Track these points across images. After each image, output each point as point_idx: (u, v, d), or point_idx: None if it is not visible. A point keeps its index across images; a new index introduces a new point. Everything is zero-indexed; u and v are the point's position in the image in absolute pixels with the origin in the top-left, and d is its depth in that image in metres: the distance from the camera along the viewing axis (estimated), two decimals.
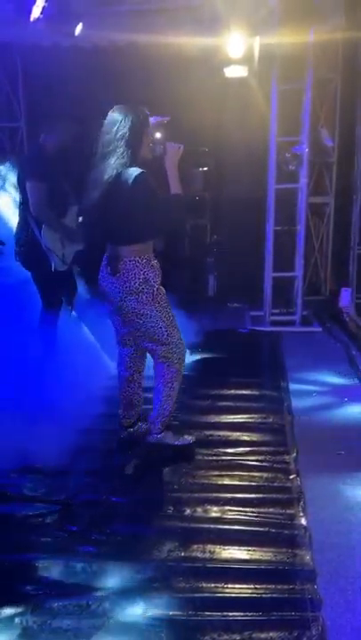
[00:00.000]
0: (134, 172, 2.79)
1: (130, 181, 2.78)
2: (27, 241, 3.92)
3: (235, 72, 5.14)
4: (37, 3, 4.11)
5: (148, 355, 3.27)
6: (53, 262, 3.89)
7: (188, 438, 3.32)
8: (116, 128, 2.85)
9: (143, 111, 2.92)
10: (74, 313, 4.35)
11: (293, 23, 4.57)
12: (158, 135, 3.11)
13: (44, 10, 4.13)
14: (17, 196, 4.19)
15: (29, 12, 4.19)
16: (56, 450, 3.10)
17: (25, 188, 3.83)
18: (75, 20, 4.56)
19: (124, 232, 2.92)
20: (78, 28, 4.60)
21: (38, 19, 4.17)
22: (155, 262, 3.01)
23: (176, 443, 3.25)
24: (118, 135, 2.84)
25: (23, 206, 3.93)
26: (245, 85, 5.38)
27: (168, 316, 3.03)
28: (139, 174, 2.80)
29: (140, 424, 3.36)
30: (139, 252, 2.94)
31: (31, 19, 4.17)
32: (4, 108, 6.26)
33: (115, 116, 2.89)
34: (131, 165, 2.82)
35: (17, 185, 3.96)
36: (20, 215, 3.99)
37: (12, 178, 4.73)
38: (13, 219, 4.63)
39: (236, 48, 4.84)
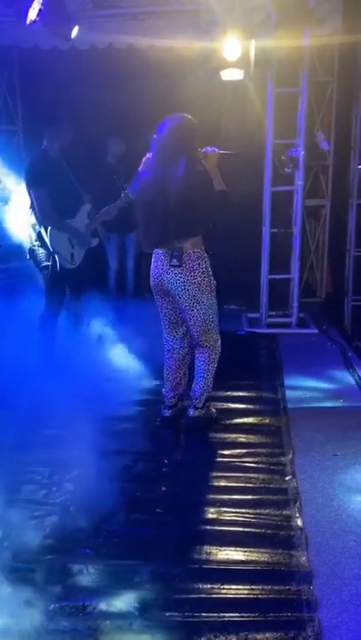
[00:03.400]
0: (197, 171, 3.13)
1: (194, 180, 3.10)
2: (37, 240, 4.00)
3: (231, 75, 5.15)
4: (33, 5, 4.12)
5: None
6: (58, 262, 3.96)
7: (214, 411, 3.65)
8: (175, 135, 3.16)
9: (193, 120, 3.25)
10: (83, 310, 4.41)
11: (289, 27, 4.58)
12: None
13: (40, 12, 4.14)
14: (15, 197, 4.28)
15: (26, 15, 4.20)
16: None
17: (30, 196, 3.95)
18: (72, 23, 4.57)
19: (189, 226, 3.20)
20: (75, 31, 4.61)
21: (34, 21, 4.18)
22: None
23: (211, 416, 3.60)
24: (178, 141, 3.14)
25: (32, 209, 4.05)
26: (242, 88, 5.40)
27: (215, 304, 3.37)
28: (201, 174, 3.15)
29: (180, 403, 3.67)
30: (199, 244, 3.28)
31: (27, 21, 4.17)
32: (1, 111, 6.26)
33: (171, 124, 3.19)
34: (192, 166, 3.11)
35: (27, 190, 4.04)
36: (31, 216, 4.10)
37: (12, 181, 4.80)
38: (10, 220, 4.69)
39: (233, 51, 4.85)
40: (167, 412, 3.64)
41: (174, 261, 3.22)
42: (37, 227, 4.06)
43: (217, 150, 3.29)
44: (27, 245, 4.26)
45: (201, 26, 4.91)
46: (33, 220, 4.09)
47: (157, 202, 3.16)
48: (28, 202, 4.07)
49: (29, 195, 3.99)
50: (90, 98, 5.65)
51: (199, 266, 3.26)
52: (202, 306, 3.30)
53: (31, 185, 3.92)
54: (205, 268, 3.29)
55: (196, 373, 3.54)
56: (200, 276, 3.26)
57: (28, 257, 4.18)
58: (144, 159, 3.36)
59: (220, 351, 3.50)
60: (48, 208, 3.89)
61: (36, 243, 4.07)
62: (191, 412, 3.56)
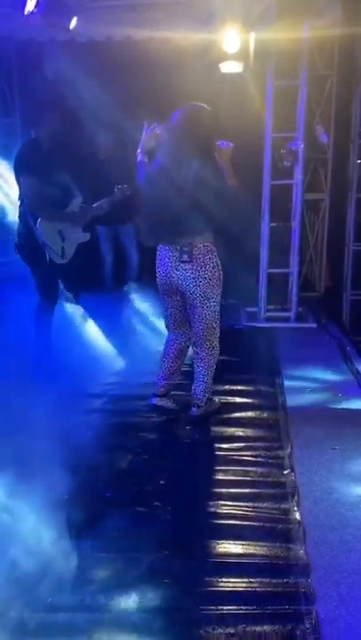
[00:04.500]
0: (211, 169, 3.08)
1: (209, 178, 3.06)
2: (25, 234, 3.92)
3: (230, 68, 5.13)
4: None
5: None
6: (48, 255, 3.89)
7: (217, 401, 3.65)
8: (191, 128, 3.11)
9: (212, 112, 3.20)
10: (79, 306, 4.36)
11: (289, 18, 4.56)
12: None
13: (38, 3, 4.11)
14: (10, 189, 4.19)
15: (24, 6, 4.17)
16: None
17: (20, 183, 3.83)
18: (70, 14, 4.54)
19: (200, 224, 3.16)
20: (73, 23, 4.58)
21: (32, 12, 4.15)
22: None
23: (215, 408, 3.60)
24: (195, 136, 3.10)
25: (21, 201, 3.94)
26: (241, 81, 5.37)
27: (219, 302, 3.32)
28: (216, 171, 3.10)
29: (171, 393, 3.62)
30: (209, 239, 3.22)
31: (25, 12, 4.14)
32: None
33: (187, 115, 3.15)
34: (207, 164, 3.07)
35: (15, 179, 3.95)
36: (19, 209, 3.99)
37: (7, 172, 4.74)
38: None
39: (232, 43, 4.83)
40: (155, 400, 3.57)
41: (184, 257, 3.16)
42: (24, 216, 3.90)
43: (231, 145, 3.21)
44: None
45: (200, 18, 4.87)
46: (20, 210, 3.98)
47: (168, 198, 3.10)
48: (17, 191, 3.96)
49: (19, 184, 3.89)
50: (88, 90, 5.62)
51: (210, 260, 3.20)
52: (211, 302, 3.27)
53: (23, 173, 3.77)
54: (216, 262, 3.24)
55: (195, 377, 3.52)
56: (210, 271, 3.21)
57: (15, 251, 4.06)
58: (144, 138, 3.31)
59: (218, 354, 3.47)
60: (39, 196, 3.79)
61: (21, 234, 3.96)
62: (194, 410, 3.54)
